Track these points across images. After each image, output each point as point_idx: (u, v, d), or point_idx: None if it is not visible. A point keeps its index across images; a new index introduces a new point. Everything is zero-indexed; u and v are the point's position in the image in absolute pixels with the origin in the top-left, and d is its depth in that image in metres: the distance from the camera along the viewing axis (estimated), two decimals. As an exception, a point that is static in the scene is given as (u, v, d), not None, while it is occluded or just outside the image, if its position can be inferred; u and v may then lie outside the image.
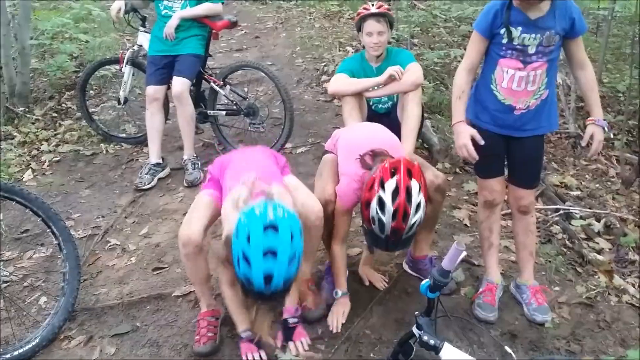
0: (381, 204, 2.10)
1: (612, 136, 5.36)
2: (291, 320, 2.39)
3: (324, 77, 6.24)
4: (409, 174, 2.11)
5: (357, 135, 2.70)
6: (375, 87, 3.11)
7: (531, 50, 2.28)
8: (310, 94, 5.94)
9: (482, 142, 2.40)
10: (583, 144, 2.37)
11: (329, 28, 8.12)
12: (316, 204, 2.40)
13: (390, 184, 2.09)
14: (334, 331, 2.53)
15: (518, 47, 2.29)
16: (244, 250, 1.82)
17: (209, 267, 2.49)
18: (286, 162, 2.70)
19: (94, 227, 3.65)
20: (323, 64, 6.59)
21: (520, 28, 2.28)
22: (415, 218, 2.12)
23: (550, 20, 2.25)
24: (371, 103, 3.41)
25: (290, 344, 2.36)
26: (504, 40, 2.31)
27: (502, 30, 2.30)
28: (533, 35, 2.26)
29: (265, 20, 8.80)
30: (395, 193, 2.08)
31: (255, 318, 2.11)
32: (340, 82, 3.18)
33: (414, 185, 2.10)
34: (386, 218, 2.10)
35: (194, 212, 2.43)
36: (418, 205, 2.11)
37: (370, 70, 3.28)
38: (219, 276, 2.32)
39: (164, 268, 3.13)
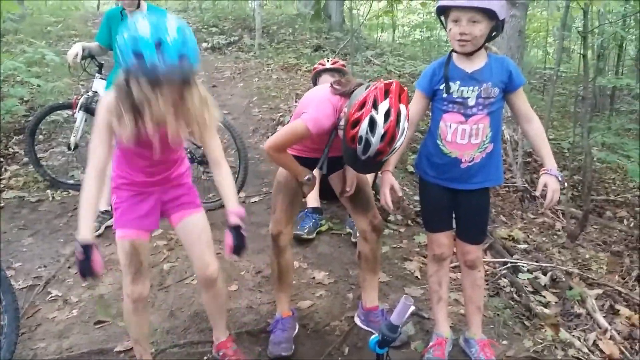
0: (372, 124, 2.07)
1: (565, 185, 5.54)
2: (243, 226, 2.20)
3: (279, 127, 6.28)
4: (399, 98, 2.12)
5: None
6: None
7: (471, 102, 2.35)
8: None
9: (399, 194, 2.52)
10: (537, 193, 2.38)
11: (286, 79, 8.24)
12: (210, 264, 2.35)
13: (384, 106, 2.07)
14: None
15: (458, 99, 2.36)
16: (130, 37, 1.76)
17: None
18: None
19: (35, 278, 3.49)
20: (279, 114, 6.65)
21: (458, 82, 2.35)
22: (399, 142, 2.13)
23: (487, 73, 2.34)
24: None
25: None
26: (444, 95, 2.38)
27: (442, 86, 2.38)
28: (471, 88, 2.34)
29: (223, 70, 8.87)
30: (387, 115, 2.06)
31: None
32: None
33: (403, 110, 2.10)
34: (375, 139, 2.07)
35: (130, 266, 2.26)
36: (403, 131, 2.12)
37: None
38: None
39: (106, 322, 3.01)
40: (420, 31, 14.65)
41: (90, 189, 2.03)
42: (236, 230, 2.16)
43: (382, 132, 2.06)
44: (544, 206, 2.34)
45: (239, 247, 2.15)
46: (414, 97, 2.54)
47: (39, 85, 6.20)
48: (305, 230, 3.75)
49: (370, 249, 2.74)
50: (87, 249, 1.95)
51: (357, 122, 2.10)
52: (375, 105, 2.07)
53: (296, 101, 7.08)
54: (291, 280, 2.88)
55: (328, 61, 3.43)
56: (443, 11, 2.34)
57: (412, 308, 1.78)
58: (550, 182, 2.31)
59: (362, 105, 2.11)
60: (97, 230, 3.91)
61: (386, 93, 2.09)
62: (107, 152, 2.07)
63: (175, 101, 1.90)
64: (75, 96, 4.53)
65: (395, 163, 2.58)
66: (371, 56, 9.76)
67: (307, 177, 2.54)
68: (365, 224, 2.69)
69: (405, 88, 2.16)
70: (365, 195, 2.71)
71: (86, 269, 1.95)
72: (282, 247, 2.69)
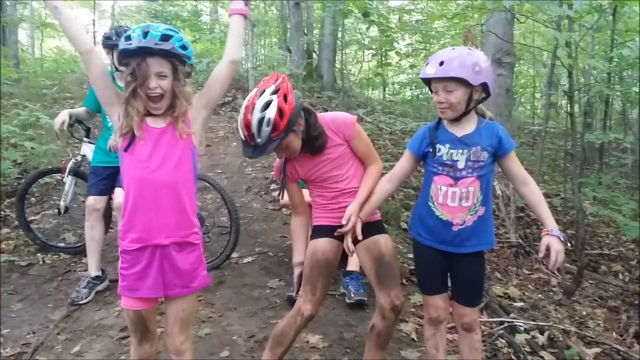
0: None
1: (569, 246, 5.51)
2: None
3: (273, 186, 6.32)
4: (274, 81, 2.39)
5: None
6: None
7: (461, 165, 2.38)
8: (259, 203, 5.97)
9: (360, 237, 2.50)
10: (540, 255, 2.35)
11: (279, 138, 8.31)
12: (175, 337, 2.32)
13: (253, 90, 2.39)
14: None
15: (448, 162, 2.40)
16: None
17: None
18: None
19: (23, 345, 3.40)
20: (272, 173, 6.68)
21: (448, 145, 2.40)
22: (261, 114, 2.30)
23: (477, 137, 2.38)
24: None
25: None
26: (434, 157, 2.43)
27: (431, 149, 2.43)
28: (460, 151, 2.38)
29: (217, 129, 8.97)
30: (252, 94, 2.37)
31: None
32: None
33: (269, 87, 2.35)
34: (240, 113, 2.36)
35: (136, 332, 2.27)
36: (267, 104, 2.31)
37: None
38: None
39: (94, 391, 2.92)
40: (410, 89, 14.98)
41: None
42: None
43: (244, 105, 2.36)
44: (550, 267, 2.33)
45: None
46: (403, 155, 2.59)
47: (32, 148, 6.23)
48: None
49: (385, 326, 2.58)
50: None
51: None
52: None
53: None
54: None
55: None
56: (428, 82, 2.42)
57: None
58: (553, 242, 2.29)
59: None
60: (87, 297, 3.86)
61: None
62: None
63: (161, 73, 2.10)
64: (64, 160, 4.55)
65: (367, 213, 2.55)
66: (363, 114, 9.91)
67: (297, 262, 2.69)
68: (386, 301, 2.52)
69: (284, 75, 2.46)
70: (392, 271, 2.58)
71: None
72: (307, 324, 2.63)
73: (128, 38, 2.05)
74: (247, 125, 2.31)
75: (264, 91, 2.33)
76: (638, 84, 8.01)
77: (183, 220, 2.22)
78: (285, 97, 2.34)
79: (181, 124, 2.17)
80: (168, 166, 2.15)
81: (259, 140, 2.32)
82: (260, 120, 2.29)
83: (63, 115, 3.96)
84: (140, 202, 2.15)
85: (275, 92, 2.33)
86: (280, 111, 2.30)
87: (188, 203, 2.23)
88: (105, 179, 3.95)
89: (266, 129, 2.30)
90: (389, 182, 2.60)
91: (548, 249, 2.30)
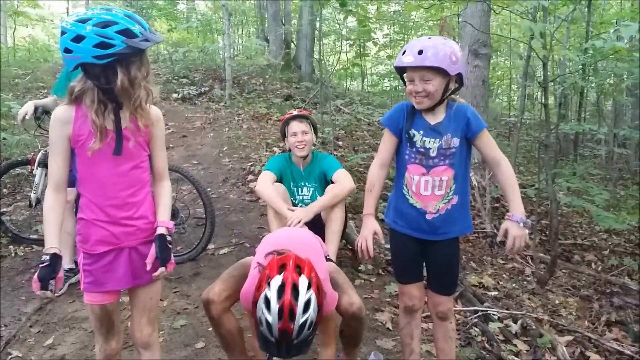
0: (267, 302, 1.91)
1: (531, 231, 5.58)
2: (169, 238, 2.17)
3: (250, 177, 6.29)
4: (298, 270, 1.98)
5: (273, 236, 2.64)
6: (301, 206, 3.34)
7: (433, 153, 2.38)
8: (236, 194, 5.94)
9: (382, 242, 2.47)
10: (498, 239, 2.38)
11: (256, 129, 8.28)
12: (144, 328, 2.29)
13: (276, 281, 1.93)
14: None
15: (421, 149, 2.39)
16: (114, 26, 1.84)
17: None
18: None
19: (-5, 338, 3.36)
20: (250, 164, 6.66)
21: (422, 132, 2.39)
22: (304, 317, 1.92)
23: (447, 125, 2.38)
24: (296, 202, 3.51)
25: (162, 269, 2.12)
26: (408, 144, 2.42)
27: (407, 135, 2.42)
28: (433, 139, 2.38)
29: (194, 120, 8.88)
30: (281, 290, 1.91)
31: None
32: (267, 193, 3.35)
33: (302, 281, 1.94)
34: (272, 318, 1.90)
35: (101, 328, 2.21)
36: (307, 304, 1.93)
37: (298, 172, 3.42)
38: None
39: (67, 384, 2.89)
40: (389, 80, 14.99)
41: (50, 201, 2.03)
42: (161, 239, 2.13)
43: (277, 309, 1.89)
44: (507, 252, 2.34)
45: (162, 258, 2.11)
46: (384, 137, 2.55)
47: (4, 139, 6.11)
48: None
49: (350, 333, 2.51)
50: (53, 258, 1.95)
51: (256, 303, 1.98)
52: (269, 283, 1.95)
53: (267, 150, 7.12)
54: (242, 347, 2.64)
55: (295, 110, 3.56)
56: (401, 70, 2.40)
57: (382, 365, 1.75)
58: (511, 228, 2.28)
59: (259, 285, 2.00)
60: (60, 289, 3.80)
61: (281, 267, 1.99)
62: (63, 164, 2.06)
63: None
64: (32, 152, 4.46)
65: (372, 205, 2.53)
66: (341, 105, 9.91)
67: None
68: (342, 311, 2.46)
69: (307, 258, 2.06)
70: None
71: (47, 277, 1.93)
72: (213, 317, 2.45)
73: (133, 34, 1.87)
74: (286, 331, 1.91)
75: (295, 286, 1.93)
76: (612, 75, 8.13)
77: (148, 222, 2.19)
78: (318, 289, 2.01)
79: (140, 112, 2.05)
80: (131, 167, 2.11)
81: (295, 341, 1.94)
82: (302, 325, 1.92)
83: (27, 107, 3.85)
84: (105, 208, 2.10)
85: (309, 287, 1.96)
86: (319, 309, 2.00)
87: (151, 202, 2.22)
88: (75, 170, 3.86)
89: (307, 332, 1.95)
90: (382, 167, 2.56)
91: (506, 234, 2.31)
